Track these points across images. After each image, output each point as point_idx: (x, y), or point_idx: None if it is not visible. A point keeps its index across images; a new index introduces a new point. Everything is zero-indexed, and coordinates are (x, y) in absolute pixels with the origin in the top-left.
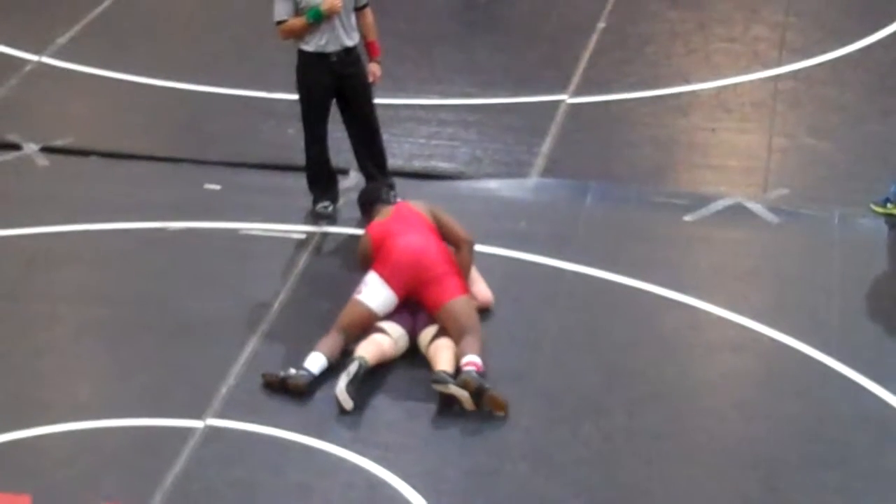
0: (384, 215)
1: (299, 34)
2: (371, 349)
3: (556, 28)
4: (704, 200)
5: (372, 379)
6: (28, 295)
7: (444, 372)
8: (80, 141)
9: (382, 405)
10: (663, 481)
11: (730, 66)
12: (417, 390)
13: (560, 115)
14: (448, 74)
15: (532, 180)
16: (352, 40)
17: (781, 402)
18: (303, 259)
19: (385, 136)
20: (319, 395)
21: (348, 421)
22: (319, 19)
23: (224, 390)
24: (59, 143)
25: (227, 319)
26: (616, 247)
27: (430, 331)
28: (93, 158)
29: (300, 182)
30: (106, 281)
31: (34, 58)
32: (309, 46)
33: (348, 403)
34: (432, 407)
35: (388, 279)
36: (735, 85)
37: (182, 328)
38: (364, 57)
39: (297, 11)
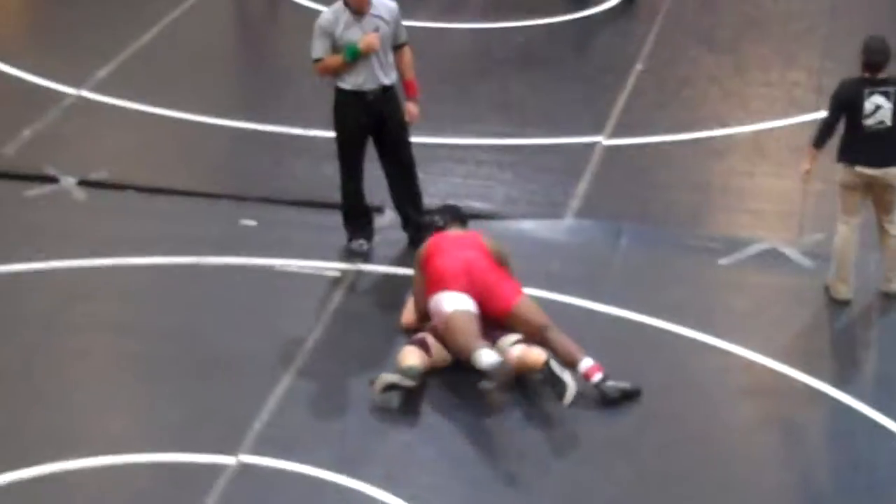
0: (451, 233)
1: (336, 72)
2: (417, 357)
3: (594, 69)
4: (739, 244)
5: (406, 416)
6: (63, 328)
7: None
8: (117, 175)
9: (416, 443)
10: None
11: (767, 110)
12: (450, 428)
13: (596, 156)
14: (485, 114)
15: (567, 221)
16: (389, 79)
17: (815, 449)
18: (337, 296)
19: (421, 175)
20: (352, 431)
21: (381, 459)
22: (357, 57)
23: (257, 426)
24: (95, 176)
25: (261, 356)
26: (650, 289)
27: (510, 338)
28: (129, 193)
29: (335, 219)
30: (140, 315)
31: (73, 91)
32: (346, 84)
33: (380, 387)
34: (467, 446)
35: (450, 287)
36: (772, 129)
37: (215, 363)
38: (401, 95)
39: (335, 49)
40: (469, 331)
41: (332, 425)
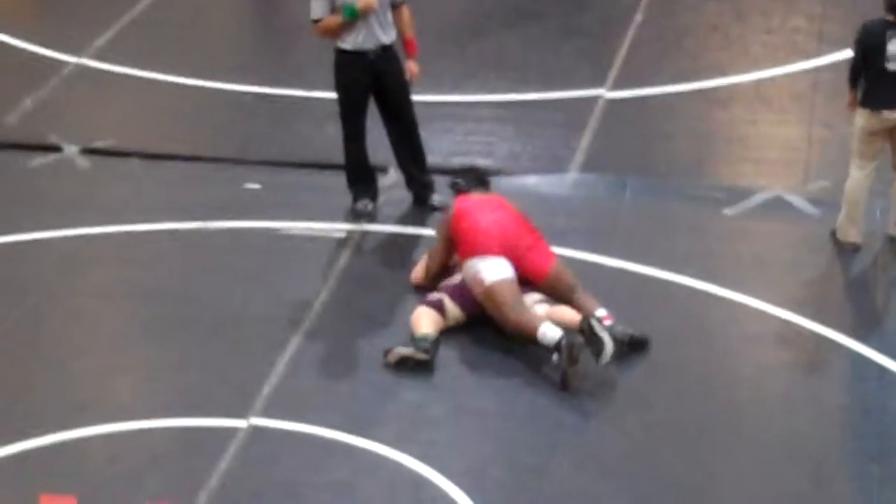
0: (476, 196)
1: (336, 32)
2: (433, 323)
3: (593, 22)
4: (744, 193)
5: (415, 375)
6: (69, 296)
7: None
8: (120, 142)
9: (426, 402)
10: (708, 474)
11: (768, 57)
12: (461, 387)
13: (598, 109)
14: (485, 71)
15: (571, 175)
16: (388, 37)
17: (825, 395)
18: (343, 257)
19: (423, 134)
20: (362, 392)
21: (391, 418)
22: (355, 17)
23: (267, 390)
24: (99, 144)
25: (269, 319)
26: (656, 241)
27: (533, 296)
28: (133, 159)
29: (340, 180)
30: (147, 282)
31: (73, 60)
32: (346, 44)
33: (393, 360)
34: (476, 404)
35: (487, 252)
36: (774, 77)
37: (223, 328)
38: (401, 54)
39: (334, 9)
40: (517, 303)
41: (341, 386)
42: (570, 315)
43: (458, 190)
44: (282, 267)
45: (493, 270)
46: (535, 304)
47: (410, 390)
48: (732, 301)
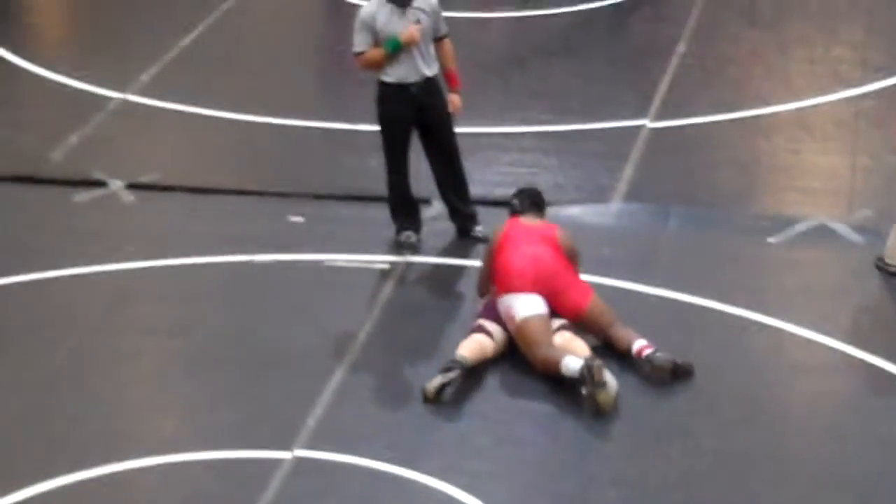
0: (526, 220)
1: (379, 65)
2: (473, 348)
3: (635, 52)
4: (788, 222)
5: (459, 405)
6: (115, 330)
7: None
8: (165, 177)
9: (470, 432)
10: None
11: (811, 86)
12: (504, 416)
13: (641, 139)
14: (528, 102)
15: (614, 205)
16: (431, 70)
17: (872, 424)
18: (387, 289)
19: (466, 165)
20: (407, 423)
21: (436, 449)
22: (398, 50)
23: (312, 421)
24: (144, 179)
25: (313, 351)
26: (700, 270)
27: (554, 322)
28: (178, 194)
29: (383, 213)
30: (192, 315)
31: (118, 95)
32: (389, 77)
33: (431, 395)
34: (519, 432)
35: (520, 290)
36: (816, 105)
37: (268, 360)
38: (444, 87)
39: (377, 42)
40: (546, 340)
41: (386, 418)
42: (583, 349)
43: (511, 211)
44: (326, 299)
45: (525, 307)
46: (557, 332)
47: (455, 420)
48: (778, 330)
